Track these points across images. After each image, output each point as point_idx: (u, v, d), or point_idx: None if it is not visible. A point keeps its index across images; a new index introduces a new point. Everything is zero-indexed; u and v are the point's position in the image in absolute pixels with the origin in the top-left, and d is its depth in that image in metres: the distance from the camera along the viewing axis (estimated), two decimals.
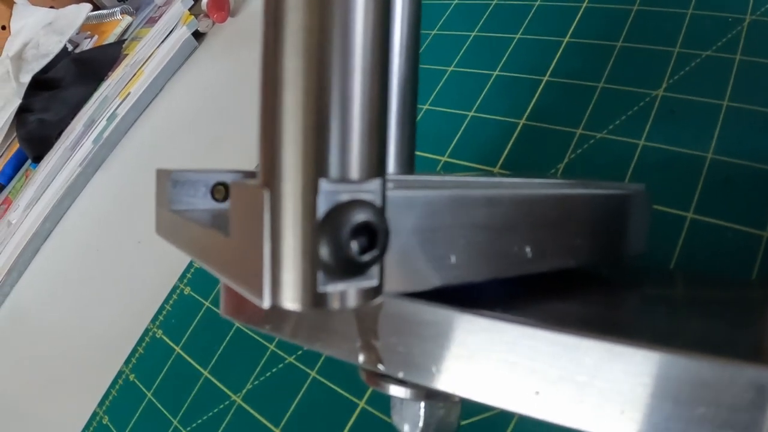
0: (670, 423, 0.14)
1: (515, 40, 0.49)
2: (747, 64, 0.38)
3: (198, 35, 0.83)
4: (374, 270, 0.13)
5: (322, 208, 0.12)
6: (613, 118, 0.40)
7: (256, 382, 0.41)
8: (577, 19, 0.47)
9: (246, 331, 0.43)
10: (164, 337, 0.48)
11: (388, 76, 0.13)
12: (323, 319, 0.19)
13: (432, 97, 0.50)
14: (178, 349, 0.46)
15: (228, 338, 0.44)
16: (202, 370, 0.44)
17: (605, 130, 0.39)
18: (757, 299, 0.25)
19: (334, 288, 0.13)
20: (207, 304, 0.48)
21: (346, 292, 0.13)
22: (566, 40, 0.46)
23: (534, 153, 0.41)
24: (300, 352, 0.40)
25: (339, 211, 0.12)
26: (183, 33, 0.81)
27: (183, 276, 0.51)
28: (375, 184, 0.13)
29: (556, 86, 0.44)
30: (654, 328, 0.18)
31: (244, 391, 0.41)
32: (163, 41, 0.81)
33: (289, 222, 0.12)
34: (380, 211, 0.13)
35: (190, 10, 0.83)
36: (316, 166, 0.12)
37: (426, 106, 0.49)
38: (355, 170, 0.13)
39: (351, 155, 0.13)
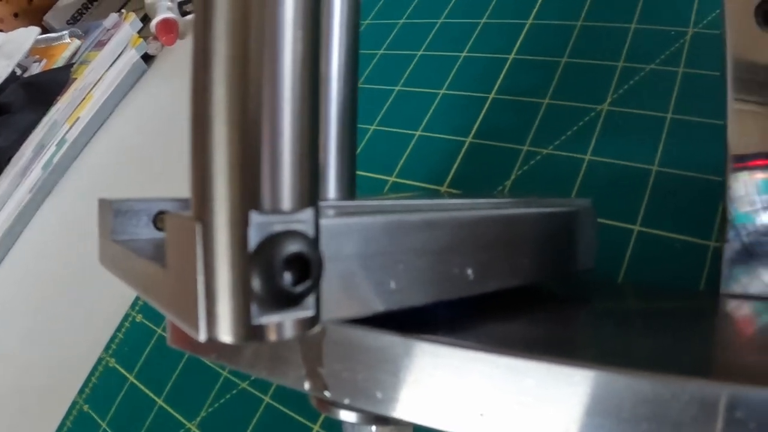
0: None
1: (461, 59, 0.50)
2: (690, 77, 0.39)
3: (147, 58, 0.82)
4: (309, 300, 0.13)
5: (254, 240, 0.12)
6: (559, 134, 0.40)
7: (210, 410, 0.40)
8: (522, 36, 0.48)
9: (198, 358, 0.43)
10: (117, 366, 0.47)
11: (318, 105, 0.13)
12: (268, 346, 0.19)
13: (379, 117, 0.50)
14: (131, 377, 0.46)
15: (181, 365, 0.43)
16: (156, 398, 0.43)
17: (551, 146, 0.40)
18: (704, 310, 0.25)
19: (268, 320, 0.13)
20: (159, 331, 0.47)
21: (282, 324, 0.13)
22: (512, 57, 0.47)
23: (481, 170, 0.42)
24: (253, 378, 0.39)
25: (271, 242, 0.12)
26: (132, 56, 0.80)
27: (135, 303, 0.50)
28: (307, 214, 0.13)
29: (502, 103, 0.44)
30: (599, 344, 0.18)
31: (198, 418, 0.40)
32: (112, 64, 0.80)
33: (222, 255, 0.12)
34: (313, 241, 0.13)
35: (138, 32, 0.82)
36: (246, 198, 0.12)
37: (373, 127, 0.49)
38: (286, 201, 0.13)
39: (282, 186, 0.12)
